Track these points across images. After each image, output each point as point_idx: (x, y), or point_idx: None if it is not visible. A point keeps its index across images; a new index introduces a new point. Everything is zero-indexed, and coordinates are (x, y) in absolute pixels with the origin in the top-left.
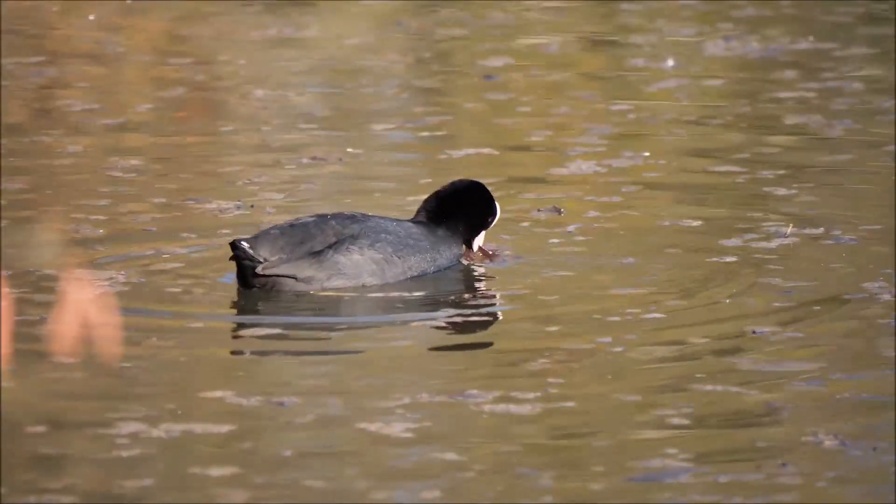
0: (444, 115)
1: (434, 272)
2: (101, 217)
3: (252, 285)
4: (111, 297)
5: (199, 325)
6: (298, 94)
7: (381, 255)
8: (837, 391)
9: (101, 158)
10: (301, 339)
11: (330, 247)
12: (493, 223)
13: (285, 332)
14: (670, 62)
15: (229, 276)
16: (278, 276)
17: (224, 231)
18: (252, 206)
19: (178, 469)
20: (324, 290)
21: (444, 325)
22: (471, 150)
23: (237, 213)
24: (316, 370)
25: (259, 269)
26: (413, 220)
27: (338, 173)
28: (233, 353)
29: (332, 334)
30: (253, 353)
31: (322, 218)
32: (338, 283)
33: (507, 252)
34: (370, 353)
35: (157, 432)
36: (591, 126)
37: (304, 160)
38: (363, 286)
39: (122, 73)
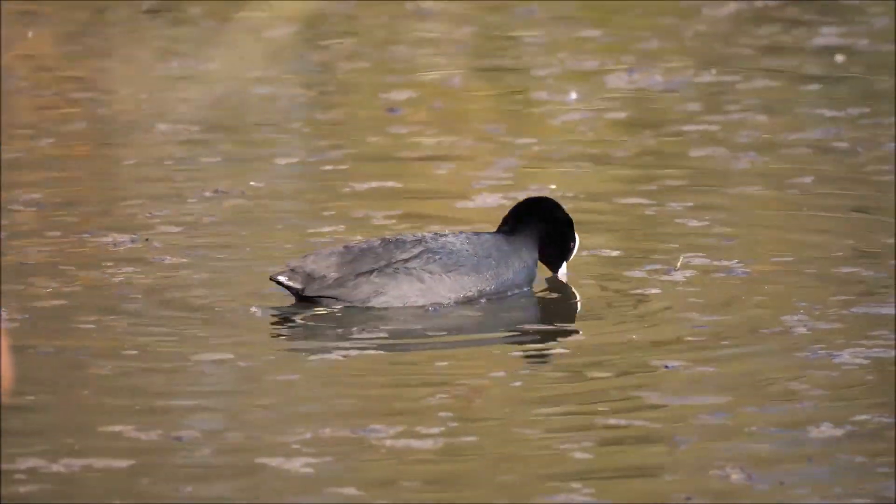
0: (347, 149)
1: (502, 291)
2: None
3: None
4: (1, 332)
5: (94, 358)
6: (201, 127)
7: (429, 275)
8: (745, 424)
9: None
10: (201, 372)
11: (376, 269)
12: (575, 249)
13: (186, 365)
14: (573, 95)
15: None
16: (322, 297)
17: (108, 264)
18: (147, 240)
19: None
20: (368, 307)
21: (344, 358)
22: (375, 184)
23: (130, 246)
24: (215, 404)
25: (304, 293)
26: (497, 231)
27: (240, 206)
28: (131, 387)
29: (232, 367)
30: (152, 386)
31: (384, 241)
32: (380, 301)
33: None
34: (270, 387)
35: (56, 467)
36: (496, 159)
37: (207, 193)
38: (405, 306)
39: (22, 106)
